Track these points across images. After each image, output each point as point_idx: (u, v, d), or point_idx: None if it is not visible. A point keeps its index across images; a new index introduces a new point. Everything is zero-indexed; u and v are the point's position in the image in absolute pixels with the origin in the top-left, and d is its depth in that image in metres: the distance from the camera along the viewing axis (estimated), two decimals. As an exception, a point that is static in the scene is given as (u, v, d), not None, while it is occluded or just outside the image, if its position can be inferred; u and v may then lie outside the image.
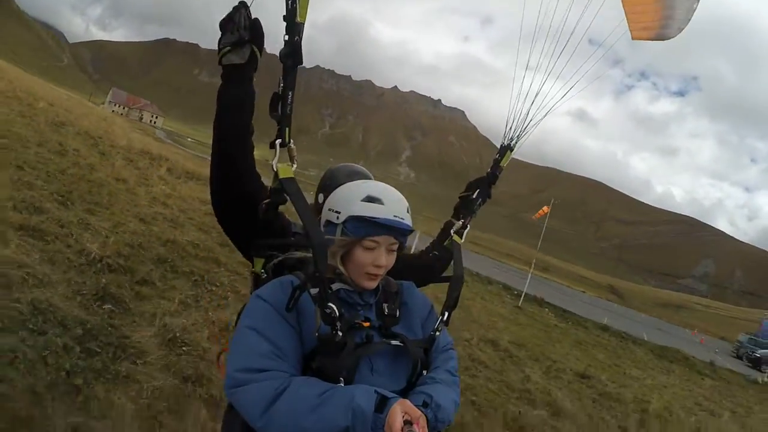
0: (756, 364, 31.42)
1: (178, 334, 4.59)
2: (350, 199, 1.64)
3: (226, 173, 1.75)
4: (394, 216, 1.61)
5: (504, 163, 2.58)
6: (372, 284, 1.66)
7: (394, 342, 1.61)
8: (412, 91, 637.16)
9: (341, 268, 1.65)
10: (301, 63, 1.69)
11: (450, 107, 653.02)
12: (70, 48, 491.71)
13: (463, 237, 2.49)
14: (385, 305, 1.74)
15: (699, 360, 23.63)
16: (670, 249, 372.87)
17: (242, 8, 1.63)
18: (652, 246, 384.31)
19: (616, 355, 17.72)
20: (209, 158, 1.78)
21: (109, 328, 4.18)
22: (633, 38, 3.03)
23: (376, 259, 1.62)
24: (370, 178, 2.13)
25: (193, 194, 12.12)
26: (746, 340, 40.09)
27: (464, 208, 2.50)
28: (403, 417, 1.31)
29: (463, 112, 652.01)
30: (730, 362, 29.82)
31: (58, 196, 7.02)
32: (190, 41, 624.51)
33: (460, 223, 2.47)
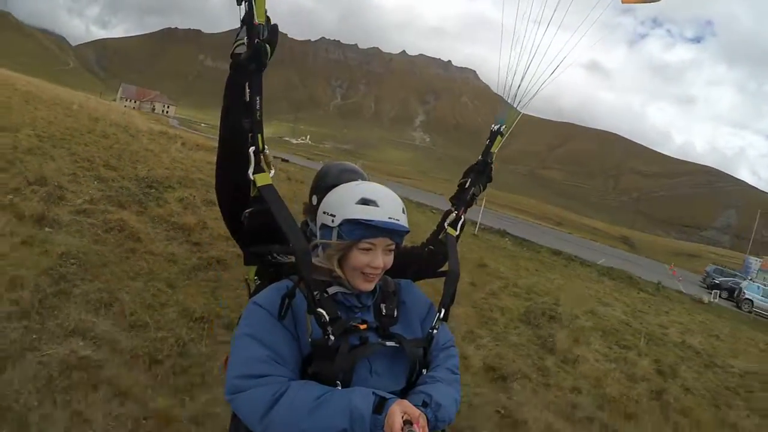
0: (713, 288, 32.81)
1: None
2: (344, 202, 1.65)
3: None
4: (390, 218, 1.62)
5: (495, 149, 2.54)
6: (369, 286, 1.68)
7: (389, 343, 1.64)
8: (420, 55, 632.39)
9: (338, 271, 1.67)
10: (265, 67, 1.65)
11: (461, 68, 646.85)
12: (73, 50, 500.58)
13: (458, 229, 2.43)
14: (382, 305, 1.76)
15: (645, 280, 25.64)
16: (691, 200, 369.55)
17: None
18: (672, 198, 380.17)
19: (548, 268, 19.28)
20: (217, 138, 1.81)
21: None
22: (623, 2, 3.04)
23: (373, 261, 1.63)
24: (363, 176, 2.23)
25: (202, 158, 16.68)
26: (713, 269, 42.35)
27: (458, 198, 2.48)
28: (403, 417, 1.35)
29: (474, 71, 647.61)
30: (694, 289, 31.37)
31: (113, 158, 11.63)
32: (191, 28, 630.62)
33: (454, 214, 2.43)
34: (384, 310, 1.75)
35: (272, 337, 1.51)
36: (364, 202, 1.63)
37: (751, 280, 35.40)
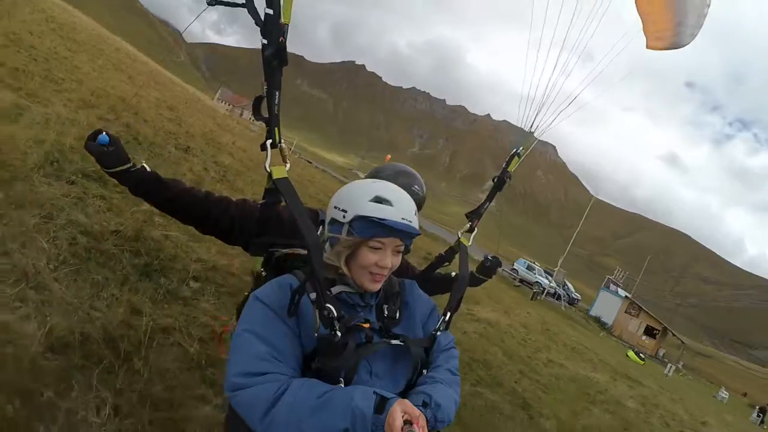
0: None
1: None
2: (358, 199, 1.76)
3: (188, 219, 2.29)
4: (403, 218, 1.74)
5: (512, 168, 2.89)
6: (375, 286, 1.80)
7: (394, 341, 1.77)
8: (504, 121, 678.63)
9: (344, 268, 1.78)
10: (287, 63, 1.84)
11: (542, 141, 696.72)
12: (186, 46, 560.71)
13: (471, 240, 2.70)
14: (385, 306, 1.90)
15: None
16: (750, 316, 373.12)
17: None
18: (731, 310, 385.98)
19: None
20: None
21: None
22: (648, 47, 3.43)
23: (381, 260, 1.75)
24: (419, 182, 2.50)
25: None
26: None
27: (474, 212, 2.79)
28: (403, 417, 1.43)
29: (554, 146, 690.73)
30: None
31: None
32: (296, 53, 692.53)
33: (468, 225, 2.73)
34: (386, 311, 1.89)
35: (273, 333, 1.61)
36: (378, 200, 1.74)
37: None
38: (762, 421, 38.08)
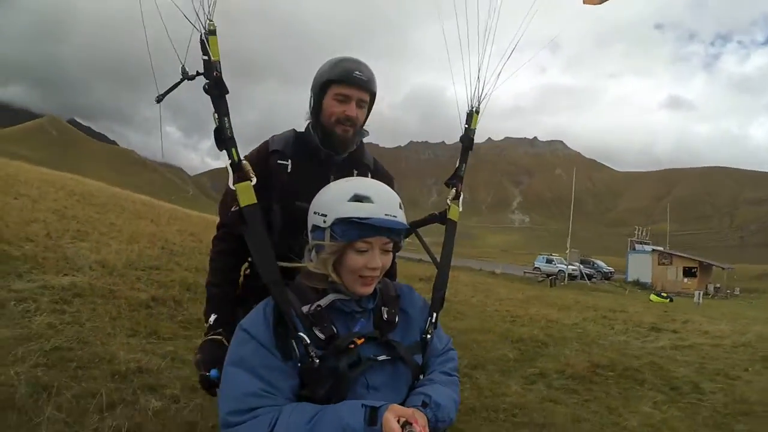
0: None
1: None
2: (336, 200, 1.71)
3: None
4: (386, 215, 1.67)
5: (474, 125, 2.62)
6: (368, 289, 1.74)
7: (381, 357, 1.72)
8: (506, 138, 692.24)
9: (334, 276, 1.72)
10: (228, 92, 1.93)
11: (548, 141, 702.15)
12: (192, 180, 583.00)
13: (460, 206, 2.51)
14: (384, 309, 1.84)
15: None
16: None
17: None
18: None
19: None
20: None
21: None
22: (585, 3, 3.38)
23: (370, 262, 1.68)
24: (360, 62, 2.30)
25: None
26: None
27: (453, 177, 2.57)
28: (399, 420, 1.43)
29: (561, 141, 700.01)
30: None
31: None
32: None
33: (454, 190, 2.51)
34: (385, 315, 1.82)
35: (262, 365, 1.57)
36: (357, 198, 1.68)
37: None
38: None
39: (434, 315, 2.01)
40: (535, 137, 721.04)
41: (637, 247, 59.72)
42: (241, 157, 1.99)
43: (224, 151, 1.97)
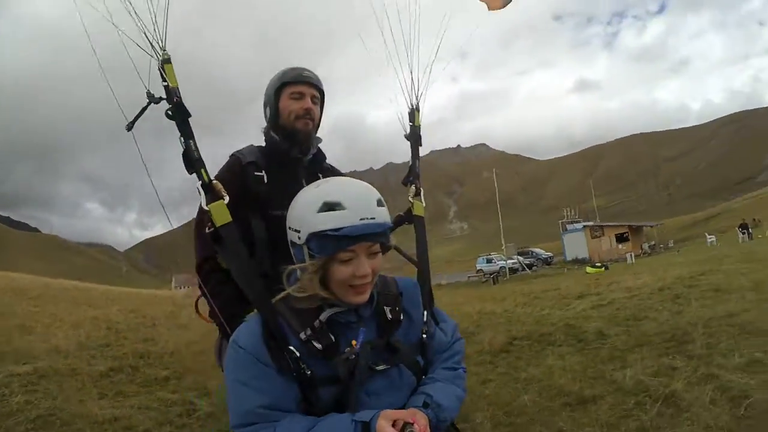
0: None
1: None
2: (306, 212, 1.60)
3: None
4: (362, 219, 1.55)
5: (417, 122, 2.68)
6: (362, 298, 1.65)
7: (380, 367, 1.68)
8: (431, 151, 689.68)
9: (324, 293, 1.63)
10: (190, 115, 2.03)
11: (471, 146, 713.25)
12: (123, 256, 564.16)
13: (423, 201, 2.52)
14: (386, 308, 1.77)
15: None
16: (734, 154, 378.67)
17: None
18: (714, 162, 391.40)
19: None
20: None
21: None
22: (490, 9, 3.47)
23: (357, 270, 1.58)
24: (301, 70, 2.27)
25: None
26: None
27: (408, 175, 2.61)
28: (395, 425, 1.45)
29: (484, 144, 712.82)
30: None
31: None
32: None
33: (413, 188, 2.53)
34: (389, 314, 1.76)
35: (258, 380, 1.56)
36: (328, 207, 1.56)
37: None
38: (749, 236, 41.78)
39: (425, 313, 1.94)
40: (459, 145, 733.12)
41: (569, 227, 62.08)
42: (211, 178, 2.05)
43: (194, 174, 2.04)
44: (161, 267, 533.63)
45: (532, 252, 60.62)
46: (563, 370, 6.80)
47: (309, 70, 2.52)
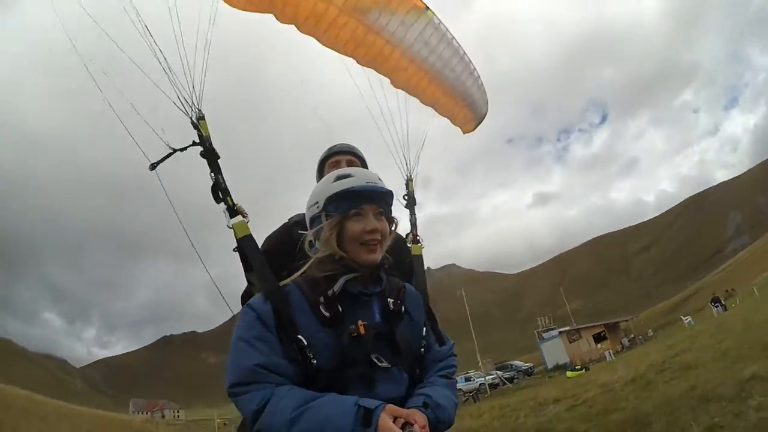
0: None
1: None
2: (323, 186, 1.97)
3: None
4: (367, 182, 1.93)
5: (411, 188, 3.32)
6: (373, 256, 1.90)
7: (383, 364, 1.81)
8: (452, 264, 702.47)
9: (339, 251, 1.89)
10: (219, 157, 2.54)
11: (441, 267, 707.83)
12: (78, 372, 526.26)
13: (422, 242, 2.89)
14: (390, 300, 1.97)
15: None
16: (698, 234, 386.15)
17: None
18: (682, 247, 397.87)
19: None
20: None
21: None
22: (465, 132, 4.05)
23: (367, 225, 1.88)
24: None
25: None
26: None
27: (410, 232, 3.02)
28: (396, 421, 1.53)
29: (454, 264, 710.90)
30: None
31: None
32: (186, 330, 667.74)
33: (410, 236, 2.95)
34: (391, 305, 1.96)
35: (261, 343, 1.72)
36: (340, 177, 1.96)
37: None
38: (723, 308, 41.38)
39: (424, 329, 2.12)
40: (429, 267, 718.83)
41: (545, 335, 61.81)
42: (236, 203, 2.48)
43: (221, 203, 2.48)
44: (118, 388, 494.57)
45: (512, 365, 59.69)
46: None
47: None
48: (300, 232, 2.18)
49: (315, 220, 1.98)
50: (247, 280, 2.61)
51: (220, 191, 2.49)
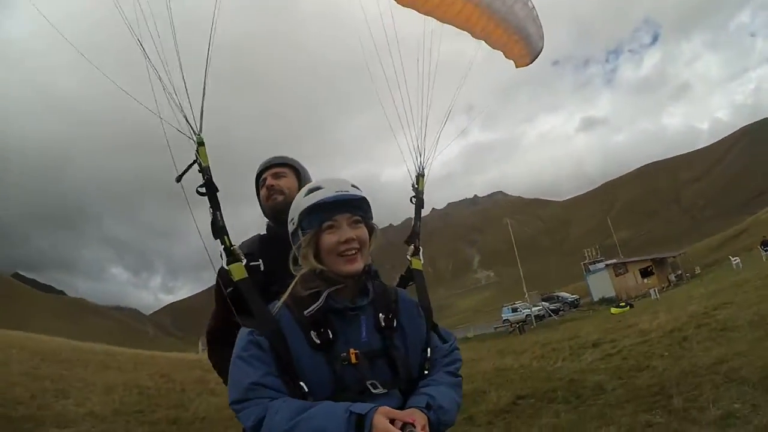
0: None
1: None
2: (296, 202, 1.99)
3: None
4: (337, 191, 1.91)
5: (421, 187, 3.11)
6: (354, 266, 1.89)
7: (376, 391, 1.80)
8: (448, 204, 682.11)
9: (318, 265, 1.90)
10: (218, 190, 2.47)
11: (488, 195, 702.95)
12: (149, 319, 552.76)
13: (422, 258, 2.77)
14: (381, 316, 1.95)
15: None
16: (751, 166, 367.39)
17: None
18: (734, 178, 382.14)
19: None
20: None
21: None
22: (518, 67, 3.94)
23: (341, 236, 1.87)
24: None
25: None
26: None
27: (410, 236, 2.87)
28: (394, 422, 1.54)
29: (501, 191, 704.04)
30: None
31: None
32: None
33: (412, 247, 2.79)
34: (383, 322, 1.94)
35: (258, 362, 1.77)
36: (311, 190, 1.95)
37: None
38: None
39: (427, 341, 2.11)
40: (475, 195, 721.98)
41: (591, 267, 61.26)
42: (233, 243, 2.41)
43: (218, 239, 2.41)
44: (187, 330, 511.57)
45: (558, 296, 59.42)
46: (553, 429, 7.12)
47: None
48: None
49: (294, 236, 2.01)
50: (226, 321, 2.53)
51: (217, 229, 2.44)
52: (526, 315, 49.74)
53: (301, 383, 1.76)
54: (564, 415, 7.83)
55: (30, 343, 22.24)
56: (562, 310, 53.51)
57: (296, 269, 2.00)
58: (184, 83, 2.52)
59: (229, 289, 2.35)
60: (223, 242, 2.40)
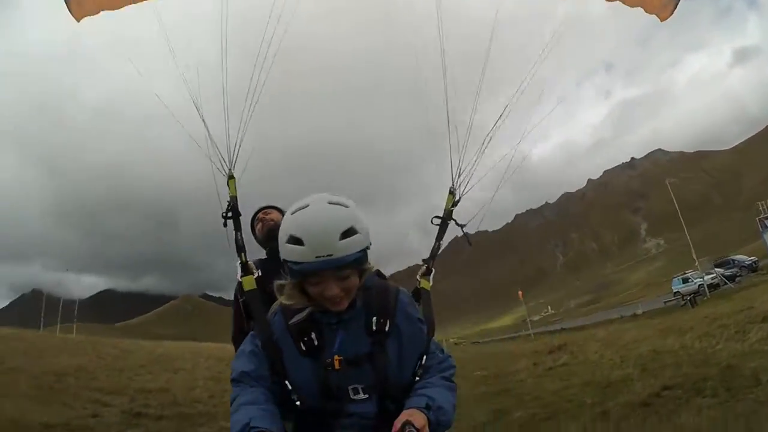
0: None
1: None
2: (281, 239, 1.83)
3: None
4: (317, 257, 1.72)
5: (448, 206, 3.04)
6: (340, 306, 1.89)
7: (358, 397, 1.94)
8: (604, 172, 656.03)
9: (306, 302, 1.95)
10: (241, 214, 2.91)
11: (645, 156, 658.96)
12: None
13: (431, 280, 2.78)
14: (374, 320, 1.96)
15: None
16: None
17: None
18: None
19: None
20: None
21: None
22: (662, 20, 3.80)
23: (325, 291, 1.83)
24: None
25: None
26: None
27: (429, 257, 2.91)
28: (396, 422, 1.64)
29: (659, 149, 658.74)
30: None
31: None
32: None
33: (425, 267, 2.83)
34: (374, 326, 1.96)
35: (253, 356, 2.03)
36: (292, 240, 1.76)
37: None
38: None
39: (426, 347, 2.10)
40: (632, 158, 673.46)
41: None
42: (247, 259, 2.86)
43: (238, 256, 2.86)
44: None
45: (734, 260, 52.45)
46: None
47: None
48: None
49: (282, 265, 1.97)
50: (241, 328, 3.47)
51: (237, 248, 2.86)
52: (699, 285, 45.29)
53: (286, 382, 1.96)
54: (706, 411, 7.38)
55: (217, 351, 24.75)
56: (739, 275, 47.37)
57: (280, 294, 2.07)
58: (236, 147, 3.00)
59: (242, 299, 3.19)
60: (240, 258, 2.84)
